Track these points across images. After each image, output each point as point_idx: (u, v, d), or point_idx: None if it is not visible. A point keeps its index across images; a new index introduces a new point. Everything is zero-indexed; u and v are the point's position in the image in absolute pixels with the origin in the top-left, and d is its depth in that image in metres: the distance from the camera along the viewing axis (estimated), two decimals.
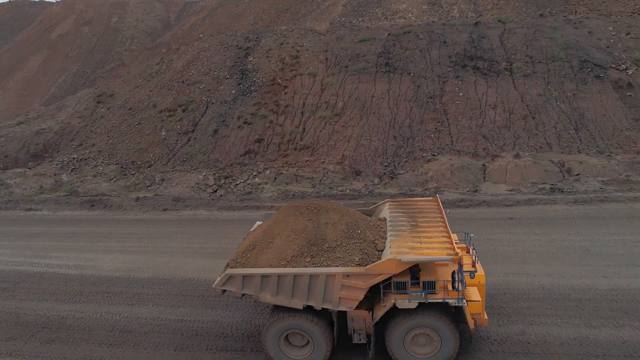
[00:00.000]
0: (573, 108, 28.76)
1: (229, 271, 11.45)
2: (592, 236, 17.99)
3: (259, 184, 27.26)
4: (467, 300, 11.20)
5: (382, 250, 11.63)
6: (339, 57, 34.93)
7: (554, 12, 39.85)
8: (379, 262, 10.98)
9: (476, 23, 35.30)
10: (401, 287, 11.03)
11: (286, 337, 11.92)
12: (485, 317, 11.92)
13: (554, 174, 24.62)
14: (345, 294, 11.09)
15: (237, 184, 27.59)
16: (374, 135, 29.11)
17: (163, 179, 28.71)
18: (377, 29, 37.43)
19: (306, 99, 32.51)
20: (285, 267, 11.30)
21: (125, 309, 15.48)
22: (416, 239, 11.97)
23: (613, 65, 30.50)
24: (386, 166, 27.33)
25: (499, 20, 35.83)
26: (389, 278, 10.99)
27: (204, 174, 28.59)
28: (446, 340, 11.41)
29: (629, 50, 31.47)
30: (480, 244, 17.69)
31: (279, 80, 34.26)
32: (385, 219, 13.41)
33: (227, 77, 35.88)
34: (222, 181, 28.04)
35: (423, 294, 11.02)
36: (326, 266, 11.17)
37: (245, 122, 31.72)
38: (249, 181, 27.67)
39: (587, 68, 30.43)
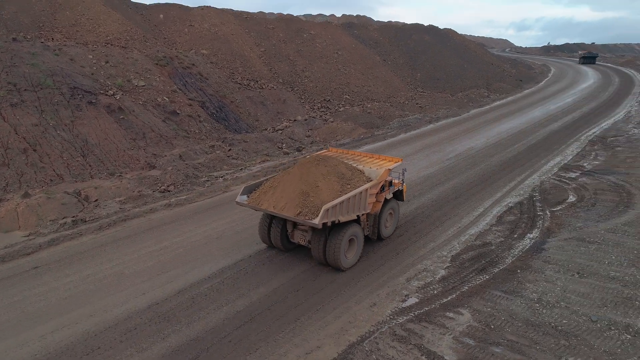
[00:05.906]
0: (75, 135, 28.37)
1: (326, 206, 14.69)
2: (123, 258, 18.33)
3: None
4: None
5: (364, 172, 17.80)
6: None
7: (28, 37, 37.62)
8: (380, 174, 17.52)
9: None
10: (383, 188, 18.38)
11: None
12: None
13: (73, 205, 23.55)
14: (370, 200, 17.13)
15: None
16: None
17: None
18: None
19: None
20: (342, 194, 15.80)
21: None
22: (369, 162, 19.05)
23: (102, 91, 32.17)
24: None
25: None
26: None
27: None
28: (396, 213, 19.89)
29: (112, 77, 34.06)
30: (4, 314, 14.54)
31: None
32: None
33: None
34: None
35: (393, 187, 19.31)
36: (359, 186, 16.56)
37: None
38: None
39: (79, 94, 30.66)
